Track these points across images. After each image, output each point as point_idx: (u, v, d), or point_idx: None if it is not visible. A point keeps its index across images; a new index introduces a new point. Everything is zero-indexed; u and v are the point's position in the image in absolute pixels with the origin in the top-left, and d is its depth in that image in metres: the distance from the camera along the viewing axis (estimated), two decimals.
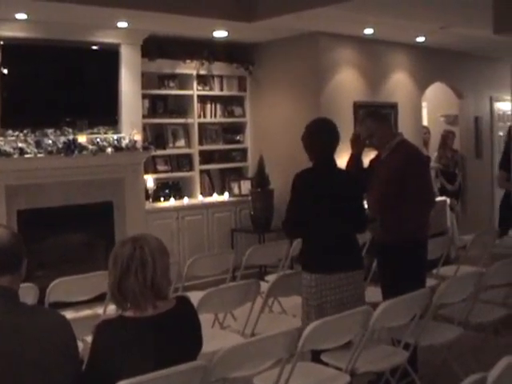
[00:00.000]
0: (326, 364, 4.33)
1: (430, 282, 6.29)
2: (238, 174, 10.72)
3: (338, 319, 4.02)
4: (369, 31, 9.57)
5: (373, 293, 5.68)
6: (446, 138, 11.48)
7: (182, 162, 10.08)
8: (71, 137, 8.17)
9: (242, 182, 10.44)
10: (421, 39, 10.43)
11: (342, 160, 5.34)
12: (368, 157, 5.51)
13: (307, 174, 4.90)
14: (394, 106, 10.65)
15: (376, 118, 5.39)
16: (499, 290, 5.84)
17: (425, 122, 12.22)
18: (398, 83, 10.87)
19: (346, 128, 9.90)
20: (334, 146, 4.95)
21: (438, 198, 10.49)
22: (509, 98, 8.83)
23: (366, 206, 5.22)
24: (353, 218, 4.89)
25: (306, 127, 5.02)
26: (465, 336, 5.13)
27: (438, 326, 5.07)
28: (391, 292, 4.64)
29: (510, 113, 9.61)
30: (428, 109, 12.79)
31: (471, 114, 12.29)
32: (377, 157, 5.43)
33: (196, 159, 10.10)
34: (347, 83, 10.08)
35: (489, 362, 3.06)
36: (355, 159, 5.39)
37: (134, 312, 2.95)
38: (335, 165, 4.99)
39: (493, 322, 5.66)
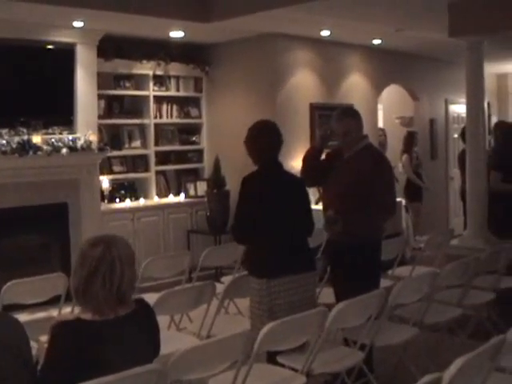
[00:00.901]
0: (282, 365, 4.33)
1: (385, 282, 6.33)
2: (194, 174, 10.68)
3: (294, 320, 4.02)
4: (325, 33, 9.60)
5: (329, 294, 5.69)
6: (413, 139, 11.50)
7: (137, 162, 10.01)
8: (26, 137, 8.05)
9: (198, 183, 10.40)
10: (377, 41, 10.50)
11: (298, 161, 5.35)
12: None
13: (253, 178, 4.86)
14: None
15: (356, 116, 5.36)
16: (454, 290, 5.90)
17: (380, 124, 12.29)
18: (354, 85, 10.93)
19: (302, 129, 10.02)
20: (276, 148, 4.90)
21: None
22: (463, 100, 8.89)
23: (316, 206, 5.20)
24: (301, 221, 4.88)
25: (248, 130, 4.99)
26: (420, 336, 5.17)
27: (393, 327, 5.10)
28: (345, 294, 4.61)
29: (464, 115, 9.74)
30: (384, 111, 12.87)
31: (426, 116, 12.40)
32: (336, 153, 5.40)
33: (152, 160, 10.05)
34: (304, 85, 10.10)
35: (444, 362, 3.08)
36: (316, 152, 5.39)
37: (93, 315, 2.91)
38: (281, 167, 4.96)
39: (448, 321, 5.71)
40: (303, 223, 4.91)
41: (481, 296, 6.06)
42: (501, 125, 9.42)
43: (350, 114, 5.43)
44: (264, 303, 4.70)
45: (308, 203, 5.10)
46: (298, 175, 5.35)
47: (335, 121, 5.28)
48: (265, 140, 4.87)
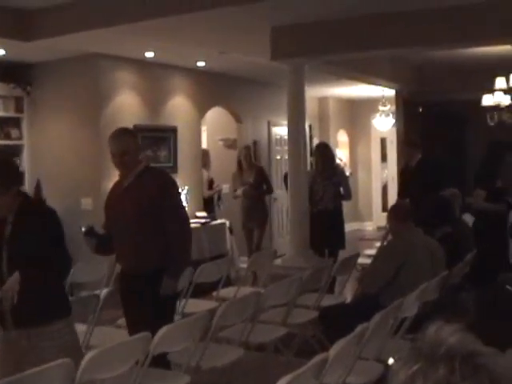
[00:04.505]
0: None
1: (210, 304, 6.35)
2: None
3: (117, 347, 3.92)
4: (150, 54, 9.57)
5: None
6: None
7: None
8: None
9: None
10: (201, 64, 10.57)
11: None
12: None
13: None
14: (174, 130, 10.70)
15: (132, 133, 5.15)
16: (278, 310, 5.97)
17: (204, 146, 12.33)
18: (178, 107, 10.93)
19: None
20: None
21: (218, 221, 10.65)
22: (285, 122, 9.10)
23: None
24: None
25: None
26: (247, 356, 5.18)
27: (219, 348, 5.08)
28: (136, 328, 4.39)
29: (286, 137, 9.99)
30: (207, 132, 12.94)
31: (249, 138, 12.57)
32: (119, 183, 5.09)
33: None
34: (128, 106, 10.00)
35: (271, 381, 3.09)
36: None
37: None
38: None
39: (273, 341, 5.76)
40: None
41: (304, 314, 6.17)
42: (321, 147, 9.65)
43: (128, 132, 5.19)
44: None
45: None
46: None
47: (112, 139, 4.91)
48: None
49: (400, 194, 9.76)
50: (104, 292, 5.95)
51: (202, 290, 6.67)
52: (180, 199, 5.30)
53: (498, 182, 8.45)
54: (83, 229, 4.93)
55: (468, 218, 8.64)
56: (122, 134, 5.04)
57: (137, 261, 4.90)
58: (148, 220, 4.79)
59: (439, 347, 1.30)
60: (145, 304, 4.82)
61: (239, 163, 10.51)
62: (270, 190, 10.63)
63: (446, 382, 1.25)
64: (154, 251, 4.84)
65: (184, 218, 5.08)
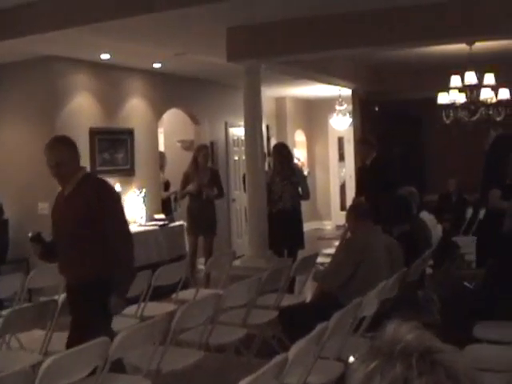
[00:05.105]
0: None
1: (169, 307, 6.33)
2: None
3: (75, 353, 3.87)
4: (105, 56, 9.49)
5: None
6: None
7: None
8: None
9: None
10: (157, 65, 10.52)
11: None
12: None
13: None
14: (130, 132, 10.63)
15: (68, 142, 4.93)
16: (238, 311, 5.96)
17: (161, 148, 12.29)
18: (135, 109, 10.87)
19: (82, 154, 9.72)
20: None
21: (177, 223, 10.61)
22: (243, 123, 9.09)
23: None
24: None
25: None
26: (207, 358, 5.17)
27: (179, 351, 5.06)
28: (75, 339, 4.31)
29: (243, 138, 10.00)
30: (165, 134, 12.90)
31: (207, 139, 12.53)
32: (61, 192, 4.96)
33: None
34: (83, 109, 9.90)
35: (232, 382, 3.09)
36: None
37: None
38: None
39: (233, 342, 5.75)
40: None
41: (264, 315, 6.17)
42: (279, 147, 9.64)
43: (62, 142, 4.97)
44: None
45: None
46: None
47: (46, 150, 4.79)
48: None
49: (357, 192, 9.84)
50: (62, 297, 5.88)
51: (161, 293, 6.64)
52: (120, 208, 5.04)
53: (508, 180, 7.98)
54: (30, 234, 4.89)
55: (426, 216, 8.71)
56: (57, 144, 4.90)
57: (75, 271, 4.79)
58: (86, 230, 4.67)
59: (396, 345, 1.30)
60: (83, 313, 4.71)
61: (195, 161, 9.95)
62: (221, 195, 10.16)
63: (402, 379, 1.26)
64: (92, 261, 4.70)
65: (124, 231, 4.90)
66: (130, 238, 4.89)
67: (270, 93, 13.88)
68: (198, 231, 9.85)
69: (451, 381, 1.26)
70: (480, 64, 9.63)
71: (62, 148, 4.82)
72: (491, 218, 8.02)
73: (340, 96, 14.05)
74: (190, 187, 9.76)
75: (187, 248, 10.25)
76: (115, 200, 4.99)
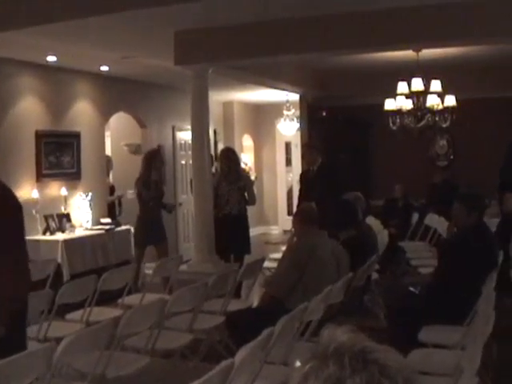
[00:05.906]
0: None
1: (115, 312, 6.28)
2: None
3: (18, 360, 3.80)
4: (52, 58, 9.38)
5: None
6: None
7: None
8: None
9: None
10: (104, 68, 10.44)
11: None
12: None
13: None
14: (77, 135, 10.52)
15: None
16: (184, 316, 5.94)
17: (108, 152, 12.19)
18: (82, 112, 10.77)
19: (28, 157, 9.68)
20: None
21: (124, 227, 10.52)
22: (189, 127, 9.07)
23: None
24: None
25: None
26: (153, 364, 5.13)
27: (124, 357, 5.02)
28: None
29: (190, 142, 9.96)
30: (111, 138, 12.79)
31: (154, 143, 12.46)
32: None
33: None
34: (30, 112, 9.76)
35: None
36: None
37: None
38: None
39: (179, 347, 5.73)
40: None
41: (211, 320, 6.16)
42: (226, 151, 9.64)
43: None
44: None
45: None
46: None
47: None
48: None
49: (300, 197, 9.86)
50: None
51: (107, 298, 6.59)
52: (15, 225, 4.09)
53: None
54: None
55: (372, 221, 8.79)
56: None
57: None
58: None
59: (329, 346, 1.35)
60: None
61: (149, 167, 9.30)
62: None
63: (335, 378, 1.30)
64: None
65: (13, 258, 3.96)
66: (16, 271, 3.95)
67: (218, 97, 13.87)
68: (150, 242, 9.40)
69: (385, 378, 1.29)
70: (427, 71, 9.75)
71: None
72: (507, 221, 8.05)
73: (288, 101, 14.11)
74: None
75: (133, 252, 10.04)
76: (11, 213, 4.08)
